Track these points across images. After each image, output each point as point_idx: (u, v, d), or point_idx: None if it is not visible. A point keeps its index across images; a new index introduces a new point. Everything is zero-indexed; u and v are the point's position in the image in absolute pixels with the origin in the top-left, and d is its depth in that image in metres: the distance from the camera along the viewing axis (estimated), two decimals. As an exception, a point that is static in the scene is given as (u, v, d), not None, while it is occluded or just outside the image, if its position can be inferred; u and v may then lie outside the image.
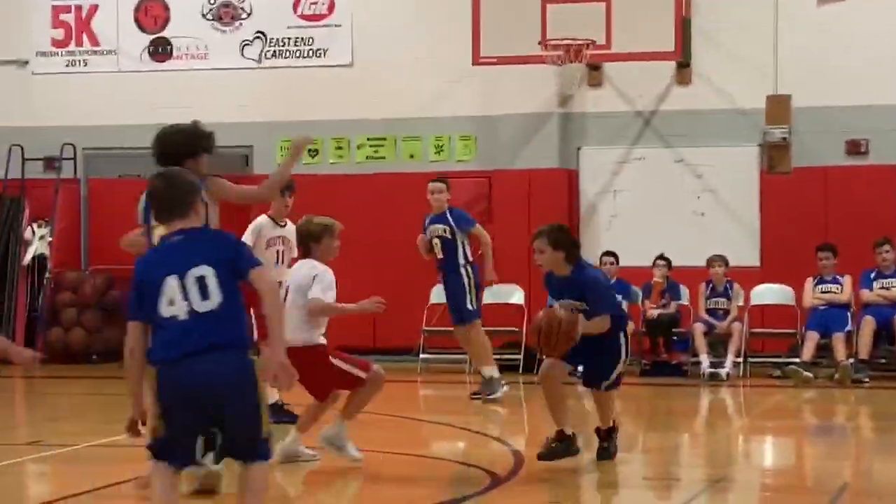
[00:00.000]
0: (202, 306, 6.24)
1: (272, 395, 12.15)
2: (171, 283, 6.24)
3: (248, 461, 6.31)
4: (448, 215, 14.30)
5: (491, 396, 13.87)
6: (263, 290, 6.40)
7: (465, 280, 14.17)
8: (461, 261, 14.20)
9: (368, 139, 18.95)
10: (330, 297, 9.52)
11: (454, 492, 9.18)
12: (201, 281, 6.26)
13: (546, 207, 17.83)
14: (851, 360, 16.03)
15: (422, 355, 17.39)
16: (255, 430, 6.23)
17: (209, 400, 6.15)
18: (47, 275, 19.09)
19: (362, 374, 9.46)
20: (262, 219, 12.28)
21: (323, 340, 9.56)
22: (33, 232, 19.23)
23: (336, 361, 9.48)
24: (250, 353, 6.35)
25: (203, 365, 6.15)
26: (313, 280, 9.56)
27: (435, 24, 18.50)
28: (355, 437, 9.75)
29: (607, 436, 9.83)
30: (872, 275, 16.68)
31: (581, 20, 16.69)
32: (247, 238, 12.08)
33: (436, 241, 14.31)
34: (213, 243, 6.45)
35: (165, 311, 6.24)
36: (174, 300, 6.23)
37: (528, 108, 18.25)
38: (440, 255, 14.32)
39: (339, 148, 19.04)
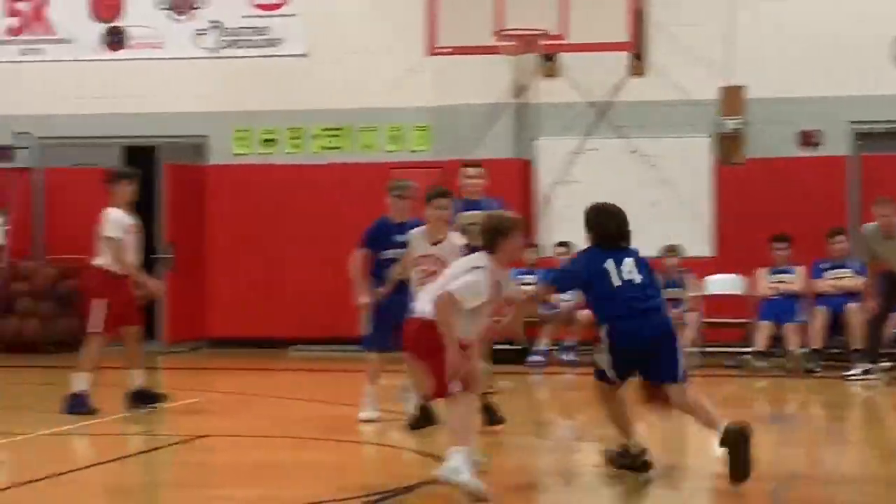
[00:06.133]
0: None
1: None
2: None
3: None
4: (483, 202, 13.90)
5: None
6: None
7: None
8: None
9: (324, 129, 18.95)
10: (466, 298, 8.54)
11: (411, 479, 9.22)
12: None
13: (500, 198, 17.87)
14: (803, 350, 16.18)
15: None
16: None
17: None
18: (2, 264, 19.01)
19: (451, 388, 8.54)
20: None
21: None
22: (-12, 221, 19.17)
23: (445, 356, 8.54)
24: None
25: None
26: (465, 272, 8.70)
27: (390, 14, 18.52)
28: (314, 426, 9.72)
29: None
30: (825, 265, 16.83)
31: (536, 11, 16.72)
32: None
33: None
34: None
35: None
36: None
37: (483, 99, 18.30)
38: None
39: (295, 138, 19.03)
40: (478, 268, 8.68)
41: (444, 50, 17.23)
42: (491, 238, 8.80)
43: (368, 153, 18.77)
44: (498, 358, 15.99)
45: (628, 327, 8.92)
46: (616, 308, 8.93)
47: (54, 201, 19.41)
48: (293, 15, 18.95)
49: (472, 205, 13.56)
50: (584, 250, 9.30)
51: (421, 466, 9.56)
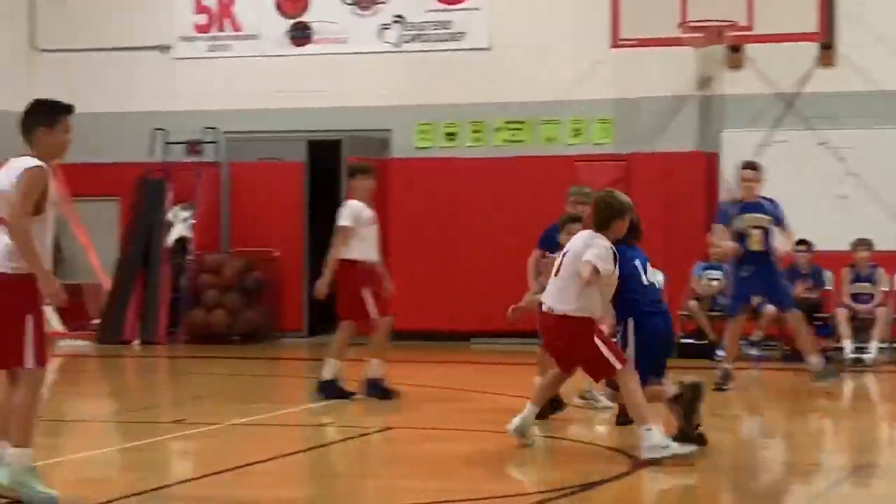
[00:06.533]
0: None
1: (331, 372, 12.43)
2: None
3: None
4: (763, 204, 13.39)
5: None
6: None
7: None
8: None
9: (506, 123, 18.94)
10: (604, 268, 9.21)
11: (596, 474, 9.14)
12: None
13: (684, 191, 17.68)
14: None
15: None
16: None
17: None
18: (189, 257, 19.40)
19: (617, 365, 9.25)
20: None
21: (585, 314, 9.31)
22: (176, 214, 19.54)
23: (598, 342, 9.30)
24: None
25: None
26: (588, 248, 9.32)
27: (573, 6, 18.44)
28: (497, 419, 9.73)
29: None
30: None
31: (721, 1, 16.49)
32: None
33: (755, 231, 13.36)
34: None
35: None
36: None
37: (666, 91, 18.11)
38: (758, 247, 13.33)
39: (477, 132, 19.06)
40: (606, 247, 9.27)
41: (629, 42, 17.09)
42: (605, 218, 9.40)
43: (551, 146, 18.70)
44: (685, 352, 15.94)
45: (656, 323, 9.43)
46: (645, 305, 9.43)
47: (240, 195, 19.73)
48: (476, 9, 18.97)
49: (749, 206, 13.28)
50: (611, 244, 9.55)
51: (601, 461, 9.48)
